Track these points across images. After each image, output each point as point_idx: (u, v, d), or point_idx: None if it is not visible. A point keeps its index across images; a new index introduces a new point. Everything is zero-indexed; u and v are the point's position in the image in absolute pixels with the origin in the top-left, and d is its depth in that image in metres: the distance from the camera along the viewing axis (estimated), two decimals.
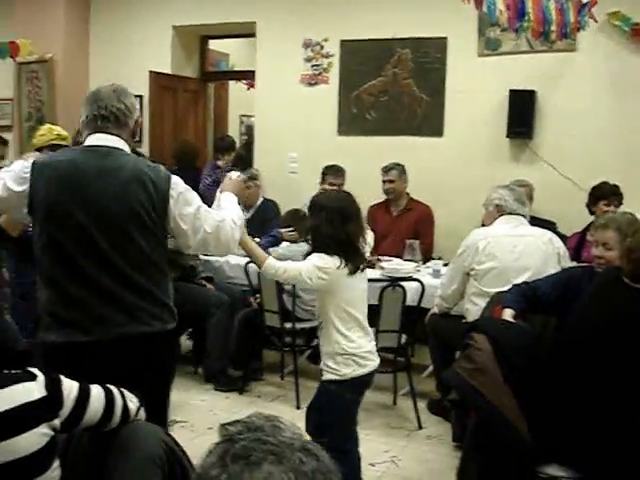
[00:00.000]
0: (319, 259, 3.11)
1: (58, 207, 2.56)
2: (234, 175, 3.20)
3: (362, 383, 3.28)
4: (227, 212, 2.83)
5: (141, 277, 2.60)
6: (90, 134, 2.67)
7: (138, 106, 2.81)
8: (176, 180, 2.68)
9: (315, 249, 3.16)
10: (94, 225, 2.55)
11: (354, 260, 3.14)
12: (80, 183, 2.57)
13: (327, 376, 3.23)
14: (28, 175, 2.58)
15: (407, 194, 6.06)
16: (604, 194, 5.18)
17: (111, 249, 2.55)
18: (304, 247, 4.95)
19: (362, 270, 3.21)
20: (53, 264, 2.58)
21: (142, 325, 2.59)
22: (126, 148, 2.70)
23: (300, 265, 3.18)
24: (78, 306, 2.55)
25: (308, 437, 1.12)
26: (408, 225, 5.89)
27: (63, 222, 2.55)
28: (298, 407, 4.81)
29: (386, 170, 5.96)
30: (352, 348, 3.16)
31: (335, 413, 3.23)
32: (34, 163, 2.61)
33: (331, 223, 3.11)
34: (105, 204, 2.56)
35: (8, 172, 2.64)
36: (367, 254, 5.20)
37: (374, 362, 3.27)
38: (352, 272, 3.12)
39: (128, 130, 2.72)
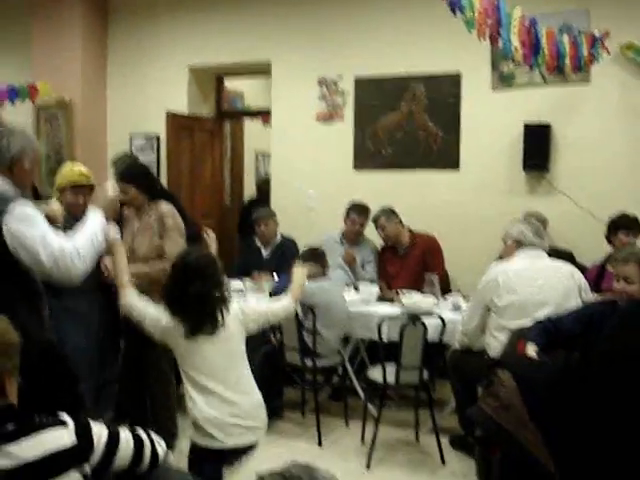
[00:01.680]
0: (166, 315, 3.09)
1: None
2: (109, 185, 3.19)
3: (220, 457, 3.09)
4: (72, 241, 2.86)
5: None
6: None
7: (19, 146, 2.99)
8: (16, 208, 2.77)
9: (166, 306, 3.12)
10: None
11: (191, 322, 3.05)
12: None
13: (191, 438, 3.13)
14: None
15: (409, 231, 6.03)
16: (624, 224, 5.18)
17: None
18: (323, 285, 4.99)
19: (212, 334, 3.06)
20: None
21: None
22: None
23: (148, 312, 3.13)
24: None
25: None
26: (416, 260, 5.87)
27: None
28: (320, 444, 4.79)
29: (374, 220, 5.96)
30: (201, 415, 3.03)
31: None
32: None
33: (175, 282, 3.09)
34: None
35: None
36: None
37: (237, 439, 3.07)
38: (187, 335, 3.04)
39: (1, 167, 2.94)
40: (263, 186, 8.41)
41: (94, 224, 3.01)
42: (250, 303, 3.38)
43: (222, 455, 3.09)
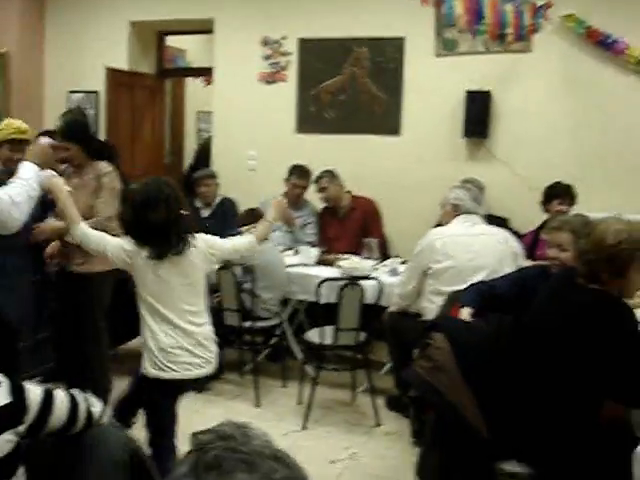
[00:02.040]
0: (126, 242, 3.13)
1: None
2: (42, 140, 3.16)
3: (171, 389, 3.20)
4: (6, 190, 2.80)
5: None
6: None
7: None
8: None
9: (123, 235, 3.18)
10: None
11: (157, 247, 3.08)
12: None
13: (142, 370, 3.20)
14: None
15: (348, 193, 6.09)
16: (558, 193, 5.28)
17: None
18: (263, 246, 4.99)
19: (178, 255, 3.11)
20: None
21: None
22: None
23: (108, 240, 3.18)
24: None
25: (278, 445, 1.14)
26: (355, 223, 5.95)
27: None
28: (258, 405, 4.83)
29: (317, 180, 6.00)
30: (156, 345, 3.11)
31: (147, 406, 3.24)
32: None
33: (133, 211, 3.12)
34: None
35: None
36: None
37: (188, 372, 3.16)
38: (152, 258, 3.07)
39: None
40: (203, 150, 8.35)
41: (27, 174, 2.95)
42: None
43: (175, 386, 3.17)
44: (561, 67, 5.96)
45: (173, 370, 3.12)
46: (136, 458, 2.14)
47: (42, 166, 3.09)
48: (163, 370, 3.11)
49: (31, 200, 2.90)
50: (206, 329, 3.26)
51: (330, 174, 5.96)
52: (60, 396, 2.13)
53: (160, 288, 3.12)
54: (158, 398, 3.18)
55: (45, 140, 3.19)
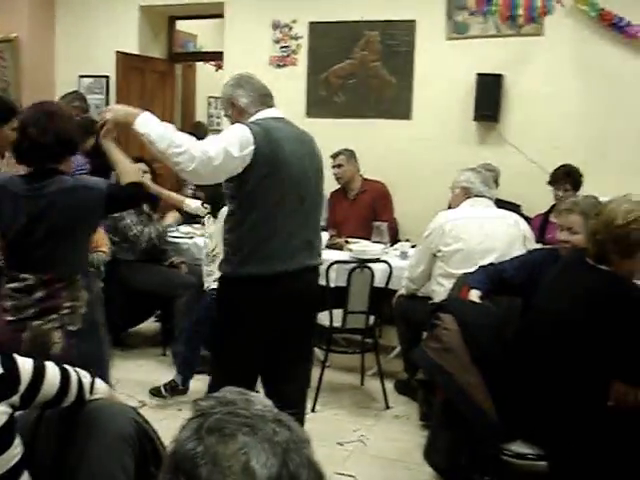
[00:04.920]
0: None
1: (275, 164, 2.93)
2: None
3: None
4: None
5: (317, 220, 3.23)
6: (261, 109, 3.10)
7: None
8: None
9: None
10: (297, 180, 3.00)
11: None
12: (287, 144, 2.99)
13: None
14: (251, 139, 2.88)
15: (360, 176, 6.10)
16: (553, 179, 5.26)
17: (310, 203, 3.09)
18: None
19: None
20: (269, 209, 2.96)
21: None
22: None
23: None
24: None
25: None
26: (365, 206, 5.95)
27: (278, 174, 2.94)
28: None
29: (334, 156, 5.99)
30: None
31: None
32: (251, 129, 2.92)
33: None
34: (303, 163, 3.05)
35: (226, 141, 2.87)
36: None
37: None
38: None
39: None
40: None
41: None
42: None
43: None
44: (573, 50, 5.92)
45: None
46: (143, 433, 2.13)
47: None
48: None
49: None
50: None
51: (348, 153, 5.98)
52: (50, 366, 2.11)
53: None
54: None
55: None
